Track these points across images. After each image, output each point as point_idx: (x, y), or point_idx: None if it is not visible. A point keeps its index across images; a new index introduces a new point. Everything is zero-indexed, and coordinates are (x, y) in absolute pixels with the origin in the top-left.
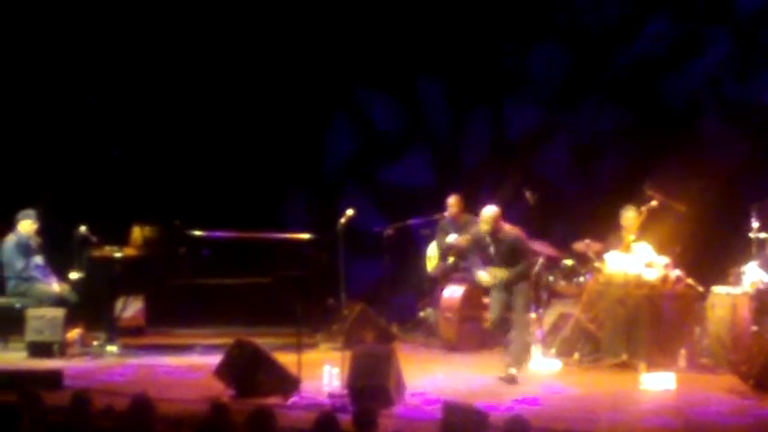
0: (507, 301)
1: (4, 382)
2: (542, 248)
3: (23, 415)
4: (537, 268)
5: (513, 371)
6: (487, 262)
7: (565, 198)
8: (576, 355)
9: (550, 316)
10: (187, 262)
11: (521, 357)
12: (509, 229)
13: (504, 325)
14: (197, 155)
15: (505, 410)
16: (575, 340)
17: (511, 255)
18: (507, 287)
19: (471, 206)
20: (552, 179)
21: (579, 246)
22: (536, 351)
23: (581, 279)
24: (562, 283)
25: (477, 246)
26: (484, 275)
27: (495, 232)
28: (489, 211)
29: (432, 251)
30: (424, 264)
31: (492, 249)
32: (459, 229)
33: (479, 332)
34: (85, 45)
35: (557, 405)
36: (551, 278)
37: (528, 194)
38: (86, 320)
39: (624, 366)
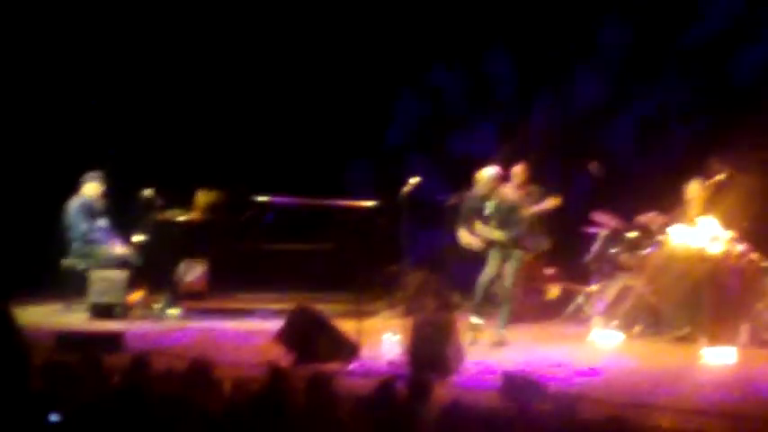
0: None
1: (66, 343)
2: (606, 221)
3: (85, 376)
4: (600, 241)
5: (502, 331)
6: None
7: (630, 171)
8: (638, 328)
9: (612, 288)
10: (250, 227)
11: (507, 320)
12: (510, 191)
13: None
14: (264, 120)
15: (566, 382)
16: (637, 313)
17: (509, 217)
18: (503, 250)
19: (539, 177)
20: (618, 152)
21: (643, 218)
22: (598, 323)
23: (644, 252)
24: (625, 256)
25: (472, 208)
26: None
27: (494, 194)
28: (489, 171)
29: None
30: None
31: (488, 211)
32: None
33: (540, 302)
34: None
35: (617, 377)
36: (614, 250)
37: (593, 166)
38: (149, 283)
39: (686, 340)
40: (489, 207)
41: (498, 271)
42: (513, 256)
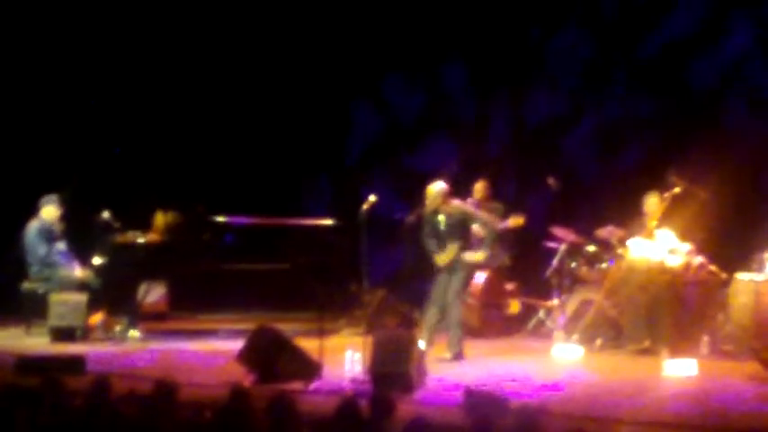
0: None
1: (26, 366)
2: (565, 235)
3: (45, 400)
4: (560, 255)
5: (456, 350)
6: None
7: (588, 184)
8: (599, 342)
9: (573, 302)
10: (210, 248)
11: (460, 336)
12: (458, 204)
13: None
14: (220, 141)
15: (527, 396)
16: (597, 326)
17: (460, 228)
18: (450, 267)
19: (497, 192)
20: (575, 165)
21: (602, 232)
22: (558, 337)
23: (603, 265)
24: (584, 270)
25: (427, 223)
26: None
27: (443, 208)
28: (437, 186)
29: None
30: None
31: (440, 225)
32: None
33: (501, 318)
34: (101, 33)
35: (579, 391)
36: (574, 264)
37: (551, 180)
38: (109, 306)
39: (646, 353)
40: (441, 222)
41: (443, 297)
42: (458, 272)
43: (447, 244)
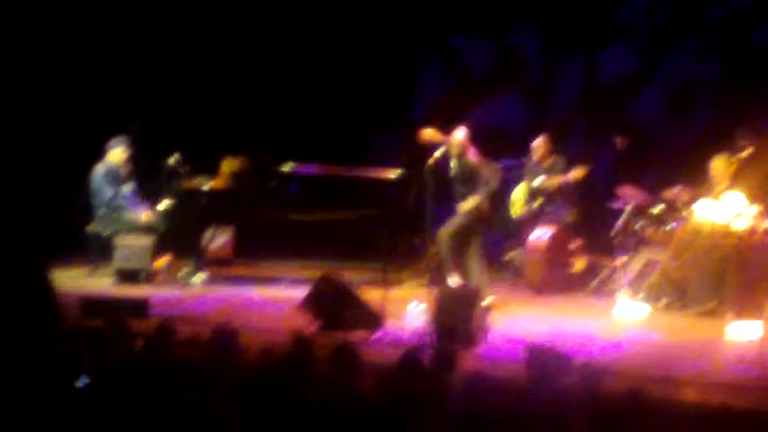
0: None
1: (91, 308)
2: (632, 195)
3: (109, 342)
4: (625, 215)
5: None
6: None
7: (657, 145)
8: (663, 302)
9: (638, 262)
10: (276, 195)
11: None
12: (475, 155)
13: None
14: (290, 88)
15: (590, 355)
16: (662, 287)
17: (471, 179)
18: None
19: (560, 149)
20: (644, 125)
21: (669, 193)
22: (623, 296)
23: (669, 227)
24: (650, 230)
25: (439, 167)
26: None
27: (461, 155)
28: (459, 134)
29: (516, 194)
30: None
31: (452, 172)
32: (546, 171)
33: (566, 275)
34: None
35: (641, 351)
36: (640, 224)
37: (618, 140)
38: (174, 250)
39: (711, 315)
40: (453, 167)
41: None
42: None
43: (456, 188)
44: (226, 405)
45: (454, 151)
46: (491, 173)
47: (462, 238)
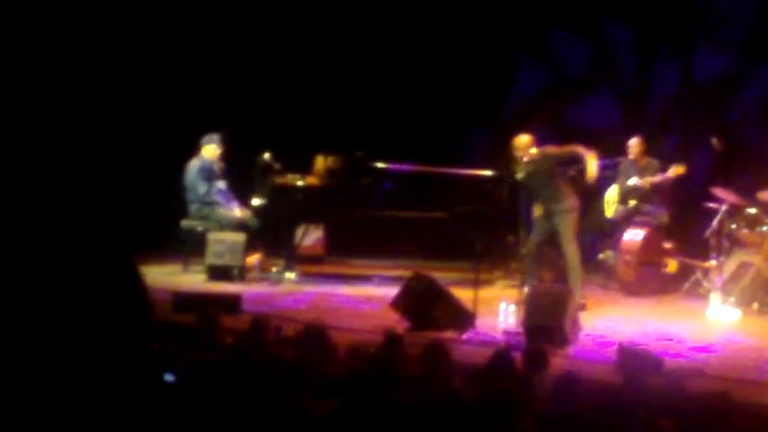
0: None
1: (182, 303)
2: (726, 196)
3: (201, 337)
4: (720, 216)
5: (581, 300)
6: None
7: (752, 146)
8: (756, 305)
9: (731, 264)
10: (368, 194)
11: (579, 285)
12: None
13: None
14: (384, 87)
15: (680, 357)
16: (755, 290)
17: (539, 183)
18: (549, 216)
19: (655, 150)
20: (740, 126)
21: (765, 195)
22: (715, 299)
23: (764, 228)
24: (745, 232)
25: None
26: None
27: (527, 157)
28: (524, 138)
29: (610, 194)
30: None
31: (519, 176)
32: (640, 171)
33: (658, 276)
34: None
35: (732, 354)
36: (734, 226)
37: (714, 141)
38: (266, 247)
39: None
40: (520, 173)
41: (540, 240)
42: (559, 222)
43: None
44: (316, 402)
45: (518, 155)
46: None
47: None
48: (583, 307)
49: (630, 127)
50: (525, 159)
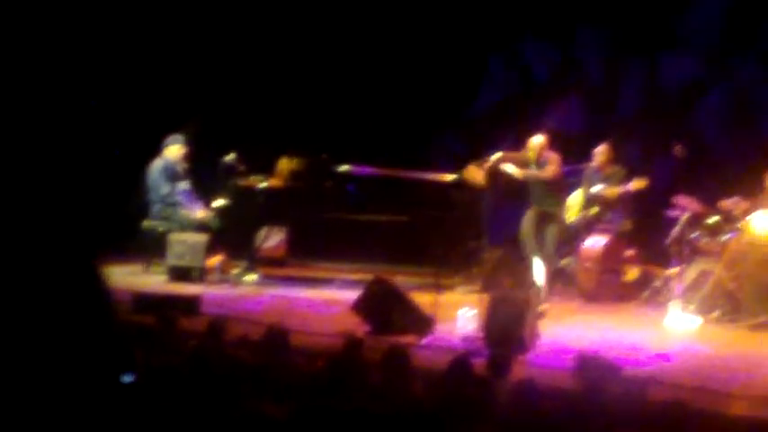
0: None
1: (143, 304)
2: (688, 204)
3: (160, 338)
4: (681, 224)
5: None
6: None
7: (716, 154)
8: (715, 314)
9: (691, 272)
10: (332, 196)
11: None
12: (553, 157)
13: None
14: (349, 90)
15: (639, 365)
16: (715, 298)
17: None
18: (541, 219)
19: (620, 157)
20: (704, 134)
21: (726, 204)
22: (675, 307)
23: (725, 237)
24: (705, 240)
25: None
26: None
27: (539, 159)
28: (537, 139)
29: (573, 200)
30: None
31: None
32: (606, 179)
33: (619, 284)
34: None
35: (692, 362)
36: (695, 234)
37: (677, 148)
38: (228, 248)
39: (763, 328)
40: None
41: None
42: (551, 229)
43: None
44: (275, 405)
45: (531, 155)
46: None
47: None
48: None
49: (596, 133)
50: (539, 160)
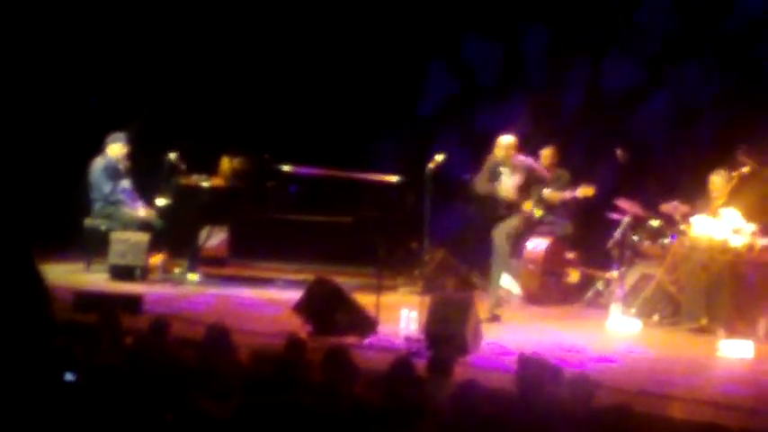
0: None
1: (84, 303)
2: (630, 207)
3: (102, 337)
4: (622, 227)
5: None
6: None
7: (658, 158)
8: (656, 317)
9: (632, 276)
10: (274, 196)
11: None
12: (523, 158)
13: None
14: (292, 89)
15: (580, 367)
16: (655, 301)
17: (524, 182)
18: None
19: (564, 159)
20: (646, 137)
21: (667, 207)
22: (616, 309)
23: (666, 241)
24: (647, 244)
25: (487, 170)
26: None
27: (508, 161)
28: (507, 139)
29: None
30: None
31: (504, 178)
32: (551, 183)
33: (561, 287)
34: None
35: (633, 365)
36: (636, 237)
37: (619, 152)
38: (170, 247)
39: (703, 331)
40: (504, 173)
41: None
42: (510, 223)
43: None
44: (216, 404)
45: (501, 154)
46: (544, 171)
47: (514, 241)
48: (496, 318)
49: (541, 135)
50: (510, 162)
